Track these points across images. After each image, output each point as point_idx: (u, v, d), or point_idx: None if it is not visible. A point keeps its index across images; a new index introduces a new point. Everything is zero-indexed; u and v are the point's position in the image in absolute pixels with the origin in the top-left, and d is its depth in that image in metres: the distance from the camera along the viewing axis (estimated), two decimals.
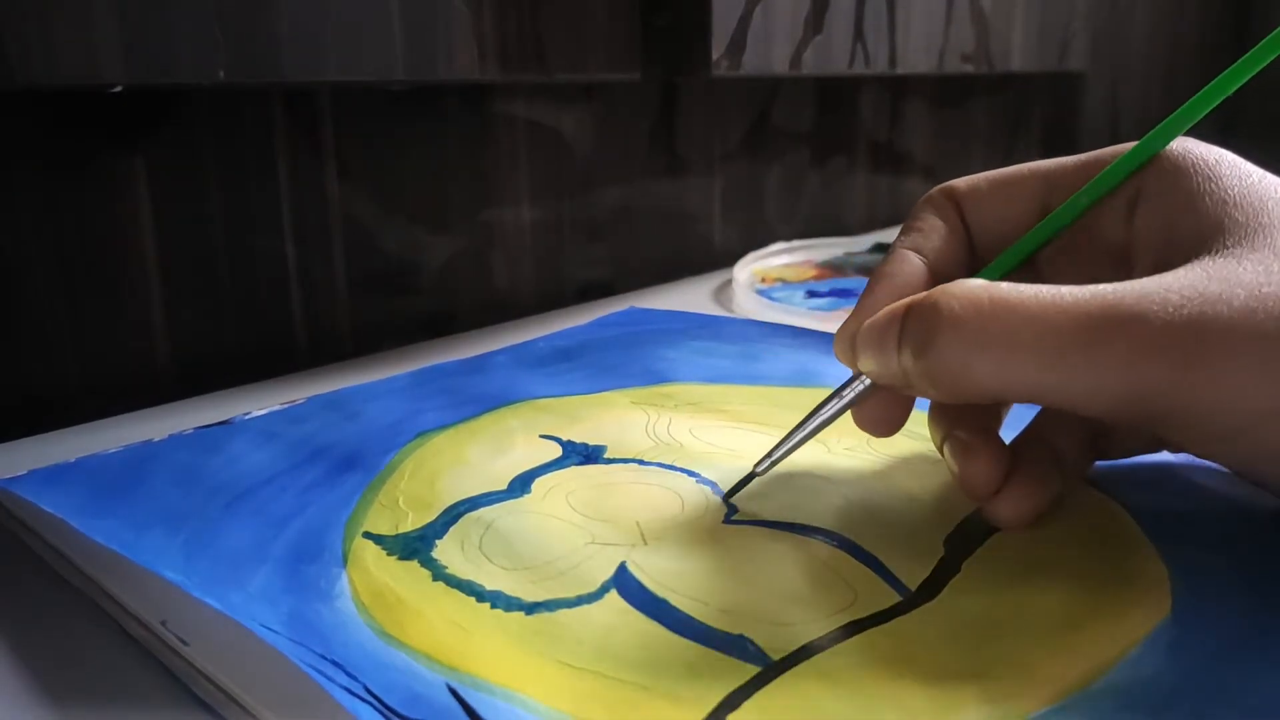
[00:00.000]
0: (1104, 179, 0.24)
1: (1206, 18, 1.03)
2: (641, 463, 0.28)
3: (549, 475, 0.27)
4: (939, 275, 0.25)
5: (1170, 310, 0.19)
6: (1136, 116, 0.99)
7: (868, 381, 0.24)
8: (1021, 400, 0.21)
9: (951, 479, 0.26)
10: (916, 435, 0.29)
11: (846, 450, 0.28)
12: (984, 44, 0.68)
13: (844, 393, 0.24)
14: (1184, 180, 0.23)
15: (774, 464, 0.25)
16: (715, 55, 0.49)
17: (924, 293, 0.21)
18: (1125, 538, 0.23)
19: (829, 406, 0.25)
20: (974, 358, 0.20)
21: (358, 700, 0.17)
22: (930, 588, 0.21)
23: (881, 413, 0.25)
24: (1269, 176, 0.23)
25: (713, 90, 0.60)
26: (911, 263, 0.25)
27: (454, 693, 0.18)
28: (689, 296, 0.53)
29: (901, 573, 0.22)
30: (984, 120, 0.86)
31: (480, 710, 0.17)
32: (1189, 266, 0.20)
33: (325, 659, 0.19)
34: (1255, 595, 0.20)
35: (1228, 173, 0.23)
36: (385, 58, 0.38)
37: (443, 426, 0.30)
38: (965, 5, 0.66)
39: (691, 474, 0.27)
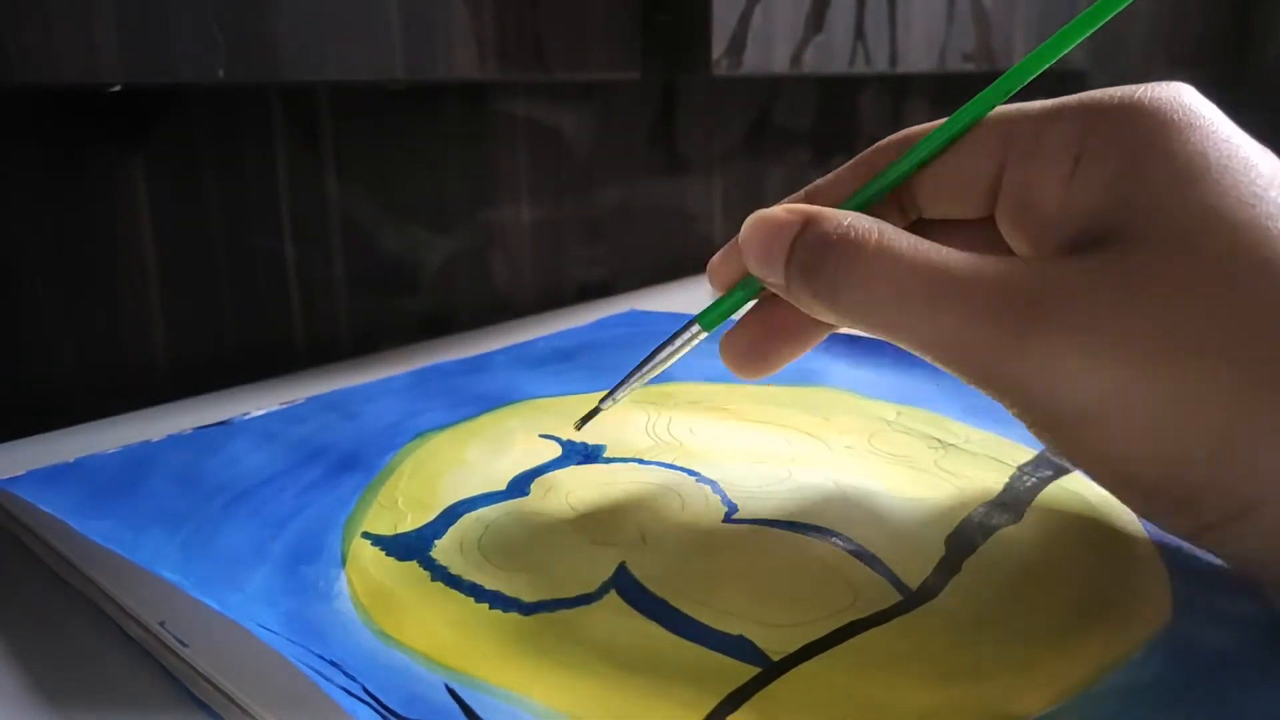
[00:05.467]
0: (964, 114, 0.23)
1: (1208, 16, 1.03)
2: (641, 462, 0.28)
3: (548, 475, 0.27)
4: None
5: (1017, 283, 0.19)
6: None
7: (696, 328, 0.24)
8: (885, 337, 0.21)
9: (953, 478, 0.26)
10: (916, 432, 0.29)
11: (847, 448, 0.28)
12: (985, 43, 0.68)
13: (683, 334, 0.24)
14: (1139, 146, 0.20)
15: (618, 399, 0.25)
16: (716, 54, 0.49)
17: (819, 211, 0.22)
18: (1127, 541, 0.23)
19: (677, 341, 0.24)
20: (845, 289, 0.21)
21: (356, 701, 0.17)
22: (931, 587, 0.21)
23: (747, 346, 0.25)
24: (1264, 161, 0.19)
25: (713, 89, 0.60)
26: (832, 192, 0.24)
27: (453, 693, 0.18)
28: (689, 296, 0.53)
29: (902, 572, 0.22)
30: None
31: (479, 711, 0.17)
32: (1084, 255, 0.19)
33: (324, 659, 0.19)
34: (1256, 601, 0.20)
35: (1203, 142, 0.19)
36: (384, 56, 0.38)
37: (442, 427, 0.30)
38: (966, 4, 0.65)
39: (692, 473, 0.27)
